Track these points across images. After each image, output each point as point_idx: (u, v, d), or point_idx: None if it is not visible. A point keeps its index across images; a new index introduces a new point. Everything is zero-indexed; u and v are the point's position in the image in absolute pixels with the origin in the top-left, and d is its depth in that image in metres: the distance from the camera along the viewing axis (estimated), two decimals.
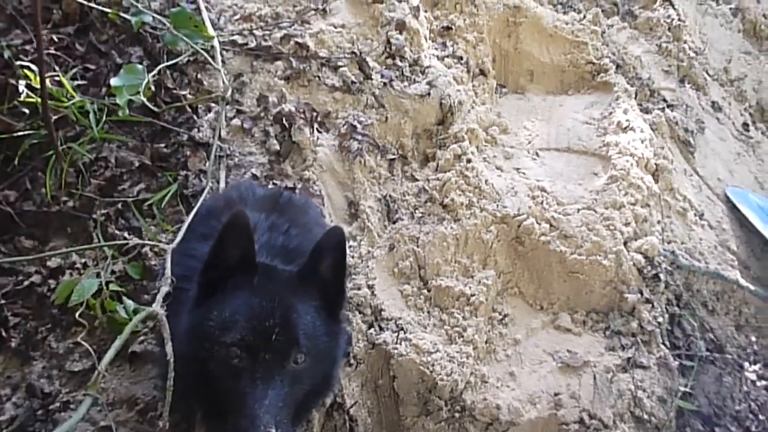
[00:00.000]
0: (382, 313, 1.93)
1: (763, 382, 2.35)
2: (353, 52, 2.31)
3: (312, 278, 1.12)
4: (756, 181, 2.97)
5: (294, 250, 1.35)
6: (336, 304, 1.16)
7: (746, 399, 2.27)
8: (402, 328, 1.91)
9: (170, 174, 1.96)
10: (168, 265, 1.38)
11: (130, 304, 1.76)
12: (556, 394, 1.96)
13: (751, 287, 2.50)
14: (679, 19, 3.34)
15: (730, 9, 3.83)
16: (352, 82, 2.24)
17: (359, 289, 1.94)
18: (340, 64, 2.27)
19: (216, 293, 1.09)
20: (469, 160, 2.23)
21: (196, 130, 2.01)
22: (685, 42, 3.27)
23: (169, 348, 1.16)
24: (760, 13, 3.96)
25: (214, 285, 1.10)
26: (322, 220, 1.78)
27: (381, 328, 1.91)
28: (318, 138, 2.11)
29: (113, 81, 1.87)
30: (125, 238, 1.86)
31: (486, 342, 2.02)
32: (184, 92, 2.09)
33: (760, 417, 2.22)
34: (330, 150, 2.11)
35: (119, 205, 1.91)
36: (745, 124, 3.21)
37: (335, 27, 2.36)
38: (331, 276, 1.14)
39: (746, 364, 2.35)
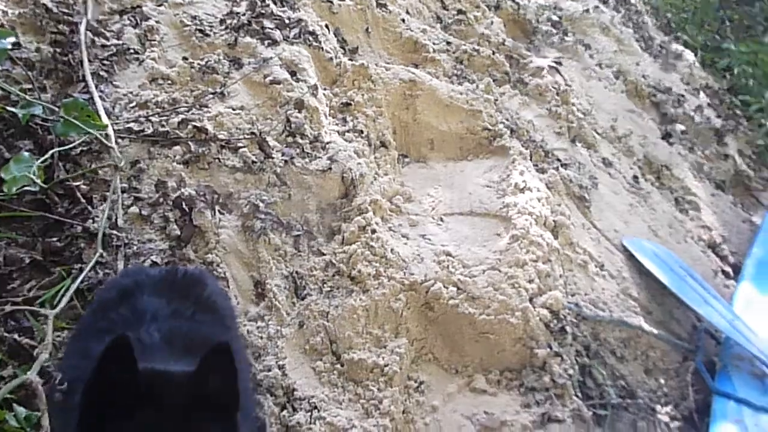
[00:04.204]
0: (295, 392, 1.89)
1: (676, 423, 2.42)
2: (253, 133, 2.34)
3: (204, 387, 1.04)
4: (650, 229, 3.15)
5: (201, 336, 1.30)
6: (231, 410, 1.08)
7: None
8: (316, 407, 1.87)
9: (64, 269, 1.89)
10: (49, 333, 1.30)
11: (21, 411, 1.65)
12: None
13: (655, 331, 2.61)
14: (566, 84, 3.59)
15: (613, 72, 4.17)
16: (253, 162, 2.26)
17: (269, 370, 1.89)
18: (240, 145, 2.29)
19: (101, 423, 1.00)
20: (374, 231, 2.26)
21: (90, 221, 1.96)
22: (573, 105, 3.52)
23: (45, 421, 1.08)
24: (640, 74, 4.33)
25: (98, 414, 1.01)
26: (220, 289, 1.73)
27: (294, 409, 1.86)
28: (220, 220, 2.10)
29: (2, 173, 1.82)
30: (16, 341, 1.77)
31: (403, 412, 2.00)
32: (78, 183, 2.04)
33: None
34: (233, 231, 2.10)
35: (8, 306, 1.82)
36: (635, 177, 3.44)
37: (234, 109, 2.40)
38: (223, 389, 1.05)
39: (658, 406, 2.43)
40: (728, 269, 3.24)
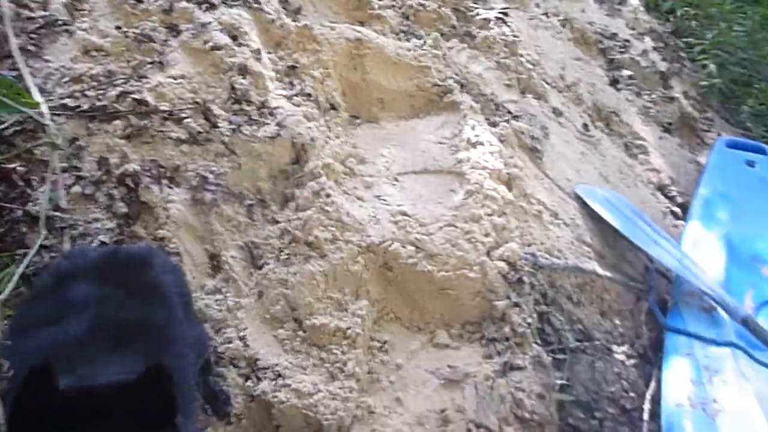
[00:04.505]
0: (258, 362, 1.89)
1: (632, 361, 2.51)
2: (196, 102, 2.27)
3: (138, 400, 0.97)
4: (601, 176, 3.21)
5: (133, 323, 1.23)
6: (170, 416, 1.01)
7: (618, 379, 2.42)
8: (280, 375, 1.88)
9: (7, 255, 1.82)
10: None
11: None
12: (442, 411, 2.00)
13: (609, 274, 2.68)
14: (514, 35, 3.57)
15: (559, 20, 4.16)
16: (199, 132, 2.20)
17: (230, 342, 1.89)
18: (183, 115, 2.22)
19: None
20: (328, 195, 2.25)
21: (31, 204, 1.89)
22: (522, 56, 3.51)
23: None
24: (586, 21, 4.33)
25: None
26: (173, 264, 1.69)
27: (258, 378, 1.87)
28: (168, 194, 2.05)
29: None
30: None
31: (368, 372, 2.03)
32: (14, 165, 1.96)
33: (632, 394, 2.37)
34: (183, 205, 2.05)
35: None
36: (585, 125, 3.47)
37: (175, 78, 2.31)
38: (159, 401, 0.99)
39: (614, 346, 2.51)
40: (677, 209, 3.33)
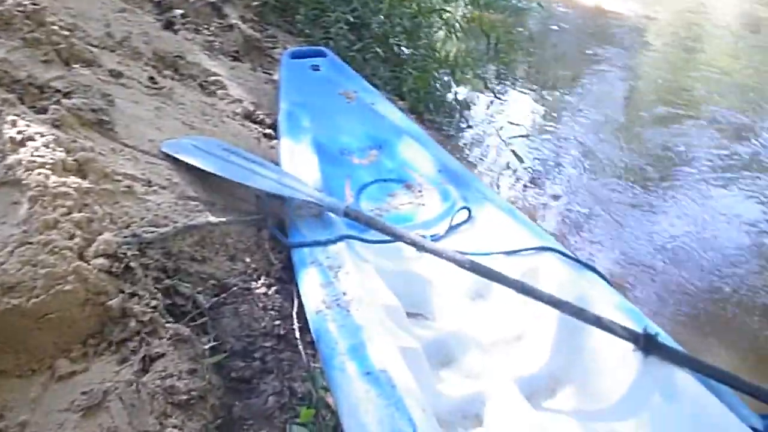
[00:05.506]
0: None
1: (273, 288, 2.60)
2: None
3: None
4: (185, 125, 3.12)
5: None
6: None
7: (266, 312, 2.48)
8: None
9: None
10: None
11: None
12: None
13: (224, 219, 2.68)
14: (34, 4, 3.12)
15: None
16: None
17: None
18: None
19: None
20: None
21: None
22: (53, 24, 3.11)
23: None
24: None
25: None
26: None
27: None
28: None
29: None
30: None
31: None
32: None
33: (281, 321, 2.47)
34: None
35: None
36: (152, 78, 3.31)
37: None
38: None
39: (252, 283, 2.56)
40: (269, 131, 3.47)
